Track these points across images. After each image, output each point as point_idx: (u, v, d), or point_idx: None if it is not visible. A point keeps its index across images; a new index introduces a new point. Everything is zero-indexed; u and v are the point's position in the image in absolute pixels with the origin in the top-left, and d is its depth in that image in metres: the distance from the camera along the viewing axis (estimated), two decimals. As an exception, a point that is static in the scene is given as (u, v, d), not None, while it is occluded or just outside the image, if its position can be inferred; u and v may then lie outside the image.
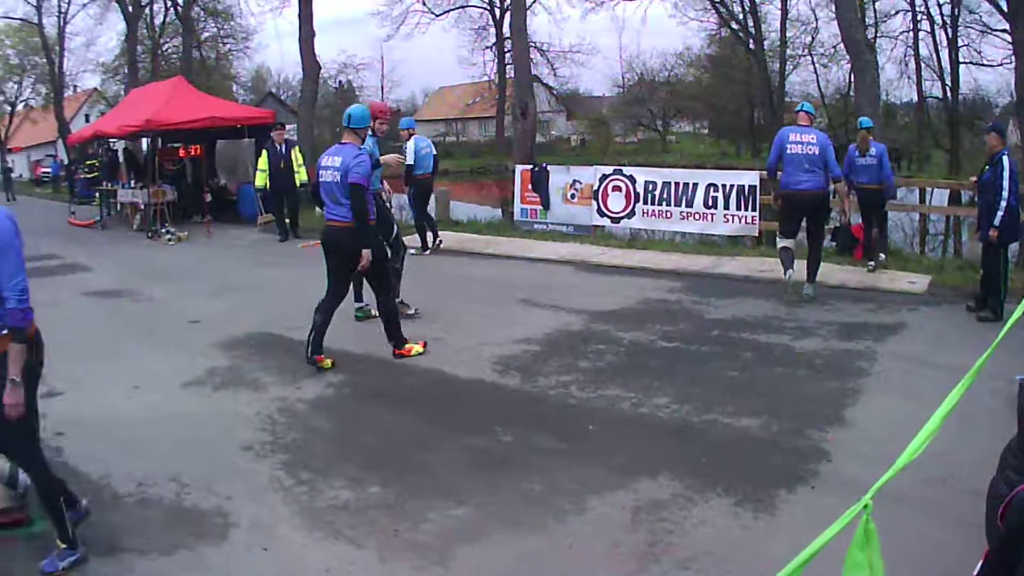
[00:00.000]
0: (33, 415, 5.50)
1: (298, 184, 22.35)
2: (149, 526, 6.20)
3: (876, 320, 11.55)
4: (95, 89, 74.51)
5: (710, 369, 9.47)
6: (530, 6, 39.31)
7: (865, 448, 6.90)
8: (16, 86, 78.19)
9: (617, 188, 19.36)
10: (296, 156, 22.59)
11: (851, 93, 46.83)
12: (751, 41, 59.15)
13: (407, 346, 10.57)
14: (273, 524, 6.17)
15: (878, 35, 52.89)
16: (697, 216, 18.19)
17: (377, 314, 11.19)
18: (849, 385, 8.74)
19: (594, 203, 19.70)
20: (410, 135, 17.92)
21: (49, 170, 66.38)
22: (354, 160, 9.81)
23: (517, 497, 6.37)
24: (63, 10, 59.29)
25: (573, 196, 20.31)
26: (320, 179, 10.19)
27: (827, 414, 7.82)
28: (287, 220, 22.45)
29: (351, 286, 11.23)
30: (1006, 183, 11.24)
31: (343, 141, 10.26)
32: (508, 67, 64.98)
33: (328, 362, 10.11)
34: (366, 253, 9.85)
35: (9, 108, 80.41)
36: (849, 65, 36.24)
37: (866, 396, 8.41)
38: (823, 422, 7.60)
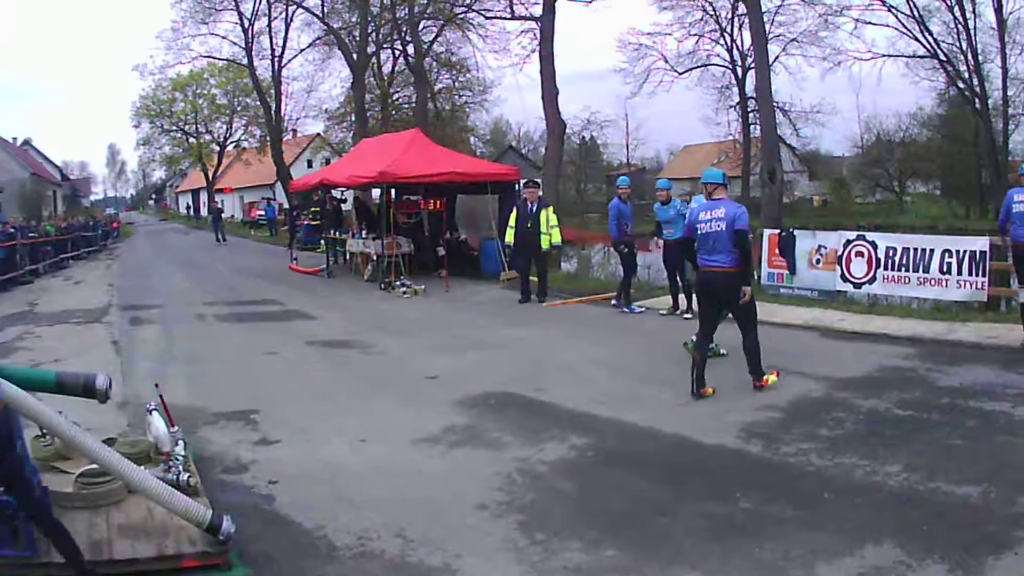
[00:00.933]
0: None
1: (547, 245, 21.30)
2: None
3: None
4: (318, 135, 74.37)
5: (938, 437, 9.40)
6: (771, 65, 38.80)
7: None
8: (225, 126, 79.32)
9: (860, 253, 19.22)
10: (549, 217, 21.25)
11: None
12: (976, 100, 57.19)
13: (764, 378, 11.67)
14: None
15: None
16: (933, 282, 18.02)
17: (723, 353, 13.24)
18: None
19: (838, 268, 19.55)
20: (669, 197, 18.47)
21: (263, 213, 66.56)
22: (738, 211, 11.21)
23: (749, 563, 6.32)
24: (277, 53, 59.44)
25: (818, 261, 20.13)
26: (700, 231, 11.48)
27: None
28: (533, 279, 21.65)
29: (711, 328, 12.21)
30: None
31: (716, 197, 11.65)
32: (752, 126, 64.38)
33: (710, 390, 11.40)
34: (747, 290, 11.26)
35: (217, 148, 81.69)
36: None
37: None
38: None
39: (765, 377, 11.75)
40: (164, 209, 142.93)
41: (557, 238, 21.66)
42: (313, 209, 37.25)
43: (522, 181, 25.32)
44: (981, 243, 17.62)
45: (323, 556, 6.49)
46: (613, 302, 20.23)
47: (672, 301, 19.03)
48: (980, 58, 56.61)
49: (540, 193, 23.19)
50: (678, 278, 18.90)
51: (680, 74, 69.70)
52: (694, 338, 12.45)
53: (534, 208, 21.39)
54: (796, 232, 21.14)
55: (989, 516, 7.11)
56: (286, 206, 55.47)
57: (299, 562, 6.38)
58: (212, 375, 13.36)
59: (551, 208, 21.74)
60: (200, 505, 6.33)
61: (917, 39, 57.61)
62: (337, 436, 9.73)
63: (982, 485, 7.79)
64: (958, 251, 17.87)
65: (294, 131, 74.88)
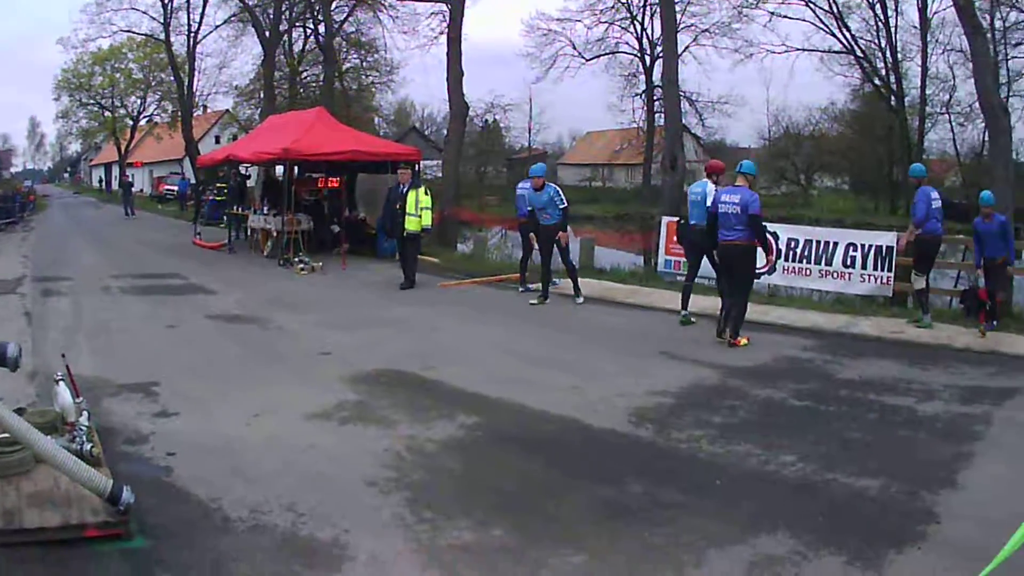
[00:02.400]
0: None
1: (415, 227, 20.91)
2: (259, 553, 6.19)
3: (996, 384, 11.55)
4: (227, 111, 75.64)
5: (835, 429, 9.54)
6: (680, 55, 39.18)
7: (973, 511, 6.97)
8: (139, 101, 79.92)
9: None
10: (419, 198, 20.86)
11: (984, 153, 45.97)
12: (892, 97, 58.49)
13: (739, 338, 13.89)
14: (390, 560, 6.13)
15: (1011, 94, 51.65)
16: (836, 275, 18.30)
17: (692, 321, 15.83)
18: (964, 449, 8.79)
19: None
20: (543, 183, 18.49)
21: (176, 188, 67.07)
22: (751, 198, 13.81)
23: (638, 547, 6.38)
24: (193, 29, 60.25)
25: (717, 251, 20.28)
26: (720, 210, 14.00)
27: (940, 477, 7.88)
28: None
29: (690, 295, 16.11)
30: None
31: (737, 184, 14.21)
32: (657, 115, 65.12)
33: (744, 340, 13.86)
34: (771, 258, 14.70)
35: (131, 122, 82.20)
36: (983, 124, 35.73)
37: (979, 459, 8.47)
38: (936, 485, 7.67)
39: (739, 338, 13.90)
40: (77, 182, 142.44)
41: (428, 220, 21.37)
42: (219, 184, 37.38)
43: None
44: (888, 238, 18.01)
45: (218, 529, 6.60)
46: (521, 288, 20.26)
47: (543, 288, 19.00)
48: (899, 56, 58.21)
49: (427, 175, 23.08)
50: (565, 263, 19.14)
51: (587, 61, 70.97)
52: (683, 312, 16.00)
53: (405, 189, 21.20)
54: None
55: (890, 510, 7.18)
56: (193, 181, 55.68)
57: (194, 535, 6.46)
58: (116, 347, 13.57)
59: (423, 189, 21.48)
60: (102, 476, 6.49)
61: (834, 35, 59.11)
62: (233, 409, 9.88)
63: (881, 479, 7.87)
64: (863, 245, 18.30)
65: (205, 107, 75.76)
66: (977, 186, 53.92)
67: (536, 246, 18.97)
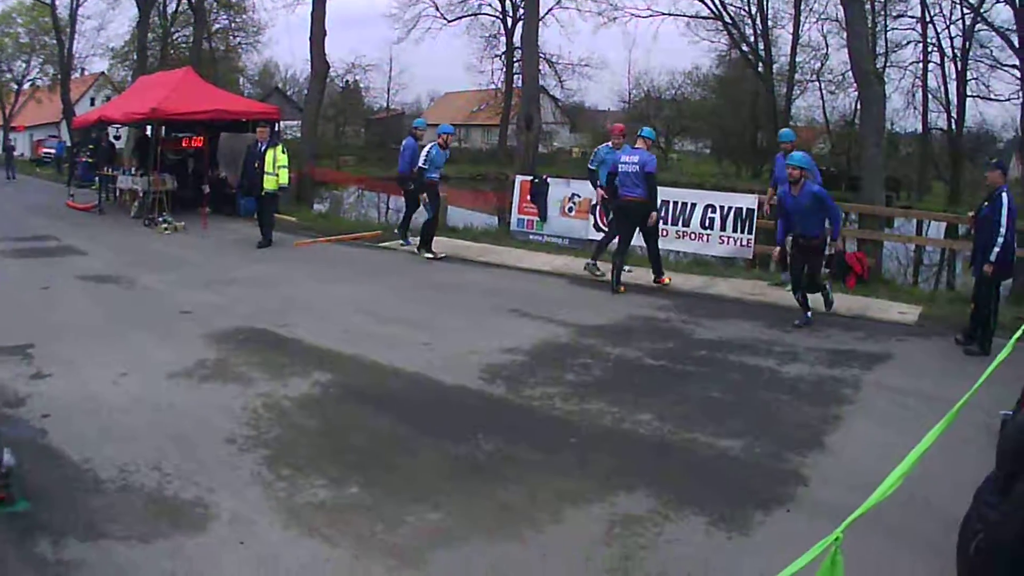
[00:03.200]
0: None
1: (272, 186, 20.85)
2: (129, 513, 6.21)
3: (864, 348, 11.62)
4: (102, 73, 75.38)
5: (694, 389, 9.52)
6: (543, 17, 39.29)
7: (842, 475, 6.94)
8: (24, 65, 78.82)
9: (615, 203, 19.30)
10: (276, 156, 20.83)
11: (856, 121, 46.88)
12: (760, 64, 59.37)
13: (663, 277, 15.98)
14: (252, 518, 6.18)
15: (887, 65, 53.14)
16: (693, 236, 18.27)
17: (601, 274, 16.50)
18: (832, 411, 8.79)
19: (591, 217, 19.78)
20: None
21: (54, 151, 66.49)
22: (649, 158, 15.35)
23: (494, 505, 6.41)
24: None
25: (571, 209, 20.46)
26: (620, 170, 15.54)
27: (807, 439, 7.85)
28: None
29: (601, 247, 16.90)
30: (1004, 219, 11.24)
31: (636, 147, 15.63)
32: (516, 76, 65.46)
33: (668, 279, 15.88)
34: (654, 215, 15.48)
35: (15, 87, 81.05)
36: (856, 92, 36.29)
37: (847, 423, 8.47)
38: (803, 447, 7.63)
39: (663, 277, 15.93)
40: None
41: (284, 179, 21.24)
42: (91, 146, 36.77)
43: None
44: (748, 200, 18.06)
45: (91, 490, 6.68)
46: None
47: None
48: (770, 23, 59.09)
49: (287, 135, 22.75)
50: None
51: (450, 22, 71.33)
52: (591, 261, 16.89)
53: (263, 148, 21.03)
54: (550, 180, 21.42)
55: (754, 472, 7.13)
56: (68, 144, 54.75)
57: (71, 495, 6.56)
58: (-6, 309, 13.66)
59: (280, 147, 21.32)
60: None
61: (702, 0, 59.41)
62: (102, 369, 9.92)
63: (745, 440, 7.82)
64: (722, 207, 18.38)
65: (82, 69, 74.70)
66: (846, 155, 55.69)
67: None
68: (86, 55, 68.38)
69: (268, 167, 20.66)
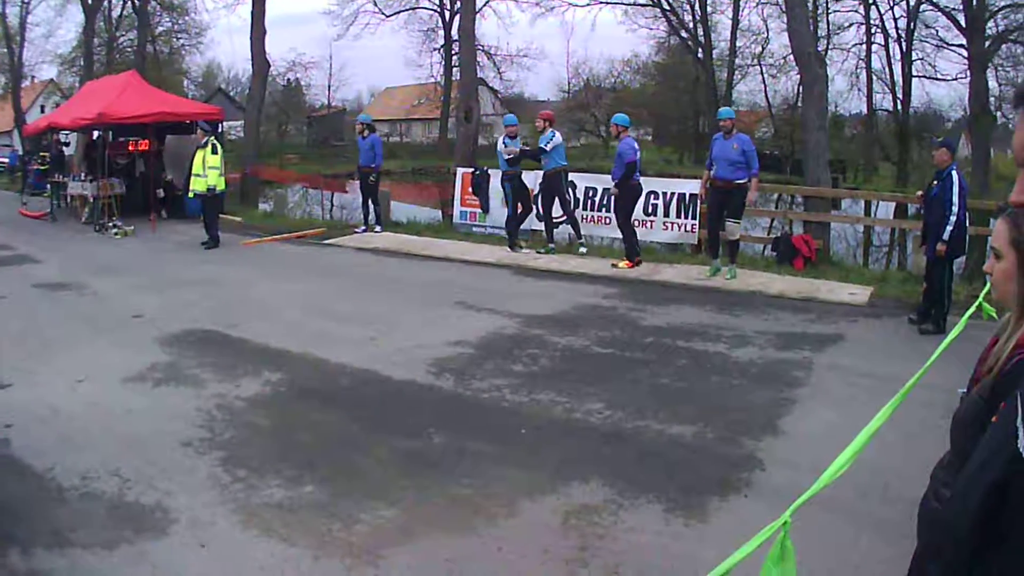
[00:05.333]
0: None
1: (200, 188, 20.67)
2: (93, 520, 6.27)
3: (815, 330, 11.69)
4: (51, 80, 75.48)
5: (644, 376, 9.53)
6: (480, 9, 39.39)
7: (798, 458, 6.93)
8: None
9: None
10: (206, 158, 20.59)
11: (799, 104, 47.17)
12: (700, 50, 59.58)
13: (629, 261, 16.37)
14: (211, 521, 6.24)
15: (830, 47, 53.61)
16: (637, 223, 18.17)
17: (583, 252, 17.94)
18: (784, 395, 8.82)
19: (534, 207, 19.60)
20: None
21: (7, 160, 66.55)
22: (628, 146, 16.44)
23: (448, 499, 6.42)
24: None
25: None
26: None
27: (761, 423, 7.88)
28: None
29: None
30: (955, 198, 11.36)
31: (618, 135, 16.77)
32: (455, 69, 65.27)
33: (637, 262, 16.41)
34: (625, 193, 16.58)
35: None
36: (798, 76, 36.55)
37: (801, 406, 8.49)
38: (757, 431, 7.65)
39: (630, 261, 16.34)
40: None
41: (215, 180, 20.72)
42: (43, 154, 36.74)
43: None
44: (692, 186, 18.04)
45: (54, 499, 6.74)
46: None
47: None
48: (708, 9, 59.37)
49: (224, 135, 22.62)
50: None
51: (388, 17, 70.52)
52: (550, 245, 18.16)
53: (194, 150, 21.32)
54: (491, 171, 21.33)
55: (709, 457, 7.14)
56: (20, 152, 54.39)
57: (35, 504, 6.61)
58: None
59: (210, 148, 20.91)
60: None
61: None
62: (58, 377, 10.01)
63: (697, 425, 7.84)
64: (665, 193, 18.42)
65: (32, 77, 74.53)
66: (789, 139, 56.02)
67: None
68: (35, 62, 68.33)
69: (197, 168, 20.66)
